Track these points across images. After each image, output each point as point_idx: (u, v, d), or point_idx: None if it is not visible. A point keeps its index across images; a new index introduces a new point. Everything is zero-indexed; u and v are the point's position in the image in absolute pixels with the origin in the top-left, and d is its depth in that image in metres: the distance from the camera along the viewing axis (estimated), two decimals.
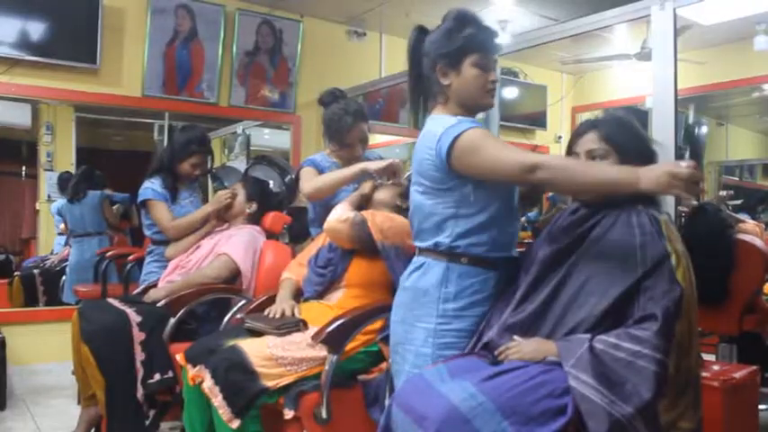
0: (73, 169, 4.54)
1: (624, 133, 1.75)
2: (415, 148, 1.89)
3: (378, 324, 2.23)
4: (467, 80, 1.84)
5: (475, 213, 1.79)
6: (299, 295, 2.59)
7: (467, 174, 1.76)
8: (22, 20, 4.08)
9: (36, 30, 4.14)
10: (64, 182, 4.49)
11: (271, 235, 3.29)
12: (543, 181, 1.65)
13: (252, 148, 5.36)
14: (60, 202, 4.50)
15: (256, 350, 2.15)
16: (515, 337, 1.66)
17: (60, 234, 4.59)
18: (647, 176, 1.47)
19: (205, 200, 3.58)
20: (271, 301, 2.57)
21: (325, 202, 2.73)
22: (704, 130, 6.31)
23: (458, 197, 1.79)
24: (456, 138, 1.73)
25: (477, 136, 1.74)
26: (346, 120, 2.74)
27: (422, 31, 1.93)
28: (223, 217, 3.30)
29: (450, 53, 1.83)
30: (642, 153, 1.73)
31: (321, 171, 2.78)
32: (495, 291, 1.83)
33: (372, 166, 2.50)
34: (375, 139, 4.98)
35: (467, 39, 1.83)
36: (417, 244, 1.91)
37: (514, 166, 1.66)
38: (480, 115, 3.48)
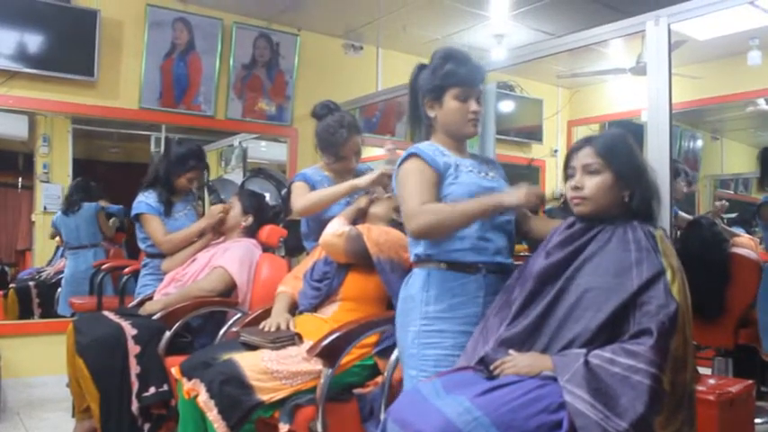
0: (69, 181, 4.53)
1: (619, 149, 1.76)
2: None
3: (373, 338, 2.23)
4: (448, 112, 2.02)
5: None
6: (294, 308, 2.59)
7: None
8: (20, 32, 4.09)
9: (34, 42, 4.15)
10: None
11: (267, 248, 3.29)
12: (418, 231, 1.87)
13: (248, 160, 5.35)
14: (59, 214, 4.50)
15: (251, 364, 2.15)
16: (511, 351, 1.66)
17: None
18: (510, 195, 1.85)
19: (203, 213, 3.58)
20: (266, 314, 2.57)
21: (318, 216, 2.73)
22: (699, 143, 6.35)
23: None
24: (403, 160, 1.99)
25: (408, 170, 1.96)
26: (341, 133, 2.74)
27: (421, 69, 2.10)
28: (219, 230, 3.30)
29: (433, 89, 2.03)
30: (636, 168, 1.75)
31: (312, 185, 2.78)
32: (480, 295, 1.93)
33: (362, 181, 2.52)
34: (372, 152, 4.99)
35: (446, 74, 2.00)
36: (410, 258, 2.06)
37: (404, 213, 1.91)
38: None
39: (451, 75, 2.00)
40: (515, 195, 1.84)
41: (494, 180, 2.07)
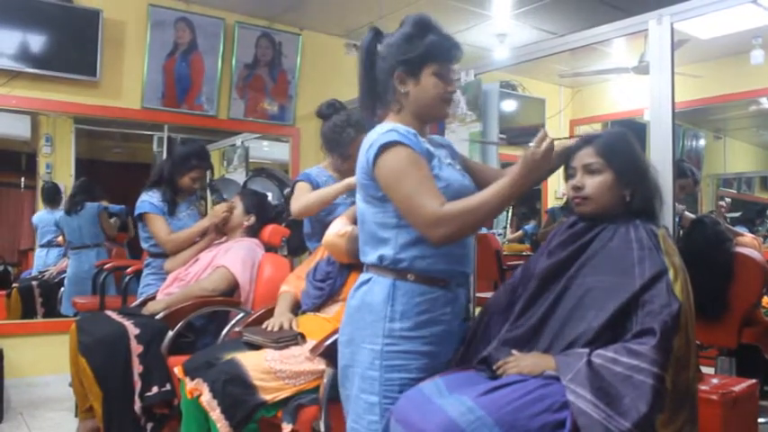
0: (72, 181, 4.54)
1: (619, 148, 1.76)
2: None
3: None
4: (425, 89, 1.76)
5: None
6: (297, 308, 2.59)
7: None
8: (23, 32, 4.10)
9: (36, 42, 4.16)
10: (48, 192, 4.49)
11: (269, 248, 3.29)
12: (447, 237, 1.60)
13: (251, 160, 5.37)
14: (43, 212, 4.50)
15: (254, 363, 2.15)
16: (513, 351, 1.65)
17: (42, 246, 4.57)
18: (527, 174, 1.56)
19: (206, 212, 3.59)
20: (269, 313, 2.57)
21: (321, 217, 2.73)
22: (702, 143, 6.35)
23: (395, 206, 1.69)
24: (383, 147, 1.66)
25: (402, 160, 1.65)
26: (349, 132, 2.71)
27: (377, 34, 1.85)
28: (221, 230, 3.30)
29: (410, 60, 1.75)
30: (637, 168, 1.75)
31: (316, 186, 2.76)
32: (446, 312, 1.76)
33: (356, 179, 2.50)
34: None
35: (429, 46, 1.75)
36: (362, 259, 1.82)
37: (421, 220, 1.61)
38: (478, 128, 3.50)
39: (436, 48, 1.75)
40: (530, 173, 1.57)
41: (463, 173, 1.87)
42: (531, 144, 1.57)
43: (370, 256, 1.78)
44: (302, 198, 2.67)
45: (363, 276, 1.80)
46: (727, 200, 4.56)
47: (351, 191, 2.63)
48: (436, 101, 1.78)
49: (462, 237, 1.68)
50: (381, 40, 1.83)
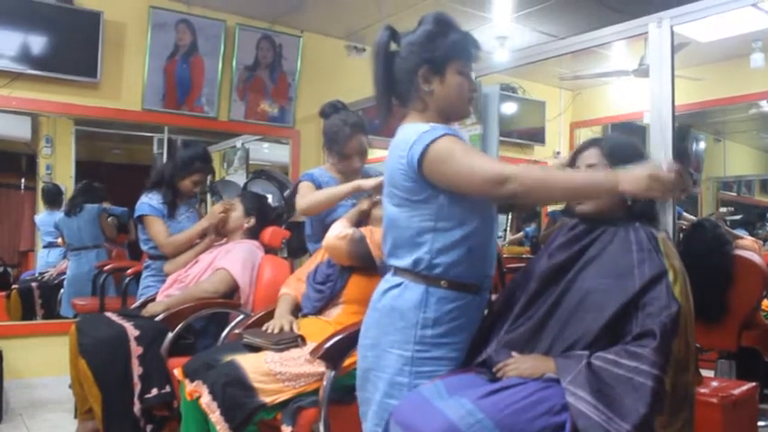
0: (72, 182, 4.54)
1: (624, 151, 1.76)
2: (386, 158, 1.78)
3: None
4: (450, 88, 1.76)
5: (454, 227, 1.69)
6: (297, 311, 2.59)
7: (437, 183, 1.66)
8: (24, 34, 4.11)
9: (37, 44, 4.16)
10: (49, 193, 4.50)
11: (269, 249, 3.29)
12: (515, 194, 1.56)
13: (251, 162, 5.36)
14: (44, 214, 4.51)
15: (254, 366, 2.14)
16: (513, 353, 1.65)
17: (45, 247, 4.57)
18: (626, 179, 1.46)
19: (205, 215, 3.58)
20: (269, 316, 2.57)
21: (322, 218, 2.73)
22: (702, 145, 6.36)
23: (434, 209, 1.69)
24: (428, 145, 1.64)
25: (449, 144, 1.64)
26: (345, 131, 2.74)
27: (393, 33, 1.82)
28: (221, 231, 3.30)
29: (435, 58, 1.73)
30: None
31: (318, 186, 2.78)
32: (476, 317, 1.77)
33: (367, 183, 2.50)
34: (375, 153, 4.99)
35: (453, 44, 1.75)
36: (393, 262, 1.78)
37: (485, 177, 1.57)
38: (478, 130, 3.51)
39: (458, 45, 1.75)
40: (638, 184, 1.44)
41: None
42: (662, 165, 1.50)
43: (403, 260, 1.74)
44: (309, 196, 2.68)
45: (393, 280, 1.77)
46: (731, 208, 4.57)
47: (354, 194, 2.63)
48: (461, 99, 1.79)
49: (539, 193, 1.64)
50: (397, 39, 1.81)
